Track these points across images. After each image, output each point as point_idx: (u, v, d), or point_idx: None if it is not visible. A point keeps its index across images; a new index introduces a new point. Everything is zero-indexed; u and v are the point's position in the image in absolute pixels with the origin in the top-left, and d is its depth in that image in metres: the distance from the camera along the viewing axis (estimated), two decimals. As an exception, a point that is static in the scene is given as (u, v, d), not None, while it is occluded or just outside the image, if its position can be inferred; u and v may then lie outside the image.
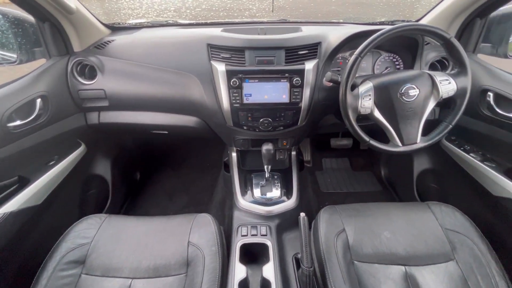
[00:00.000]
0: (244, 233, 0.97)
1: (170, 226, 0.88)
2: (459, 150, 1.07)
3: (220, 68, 0.96)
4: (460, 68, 0.85)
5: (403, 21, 1.32)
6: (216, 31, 1.06)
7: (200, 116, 1.14)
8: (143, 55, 1.08)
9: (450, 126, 0.86)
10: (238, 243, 0.93)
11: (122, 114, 1.16)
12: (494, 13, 1.01)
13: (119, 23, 1.34)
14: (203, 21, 1.37)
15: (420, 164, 1.41)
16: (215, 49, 0.99)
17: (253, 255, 0.93)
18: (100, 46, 1.12)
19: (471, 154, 1.03)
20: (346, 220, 0.86)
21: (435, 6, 1.13)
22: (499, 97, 0.92)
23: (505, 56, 1.01)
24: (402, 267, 0.78)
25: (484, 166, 0.96)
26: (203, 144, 2.02)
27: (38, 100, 0.93)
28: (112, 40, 1.14)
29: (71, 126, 1.11)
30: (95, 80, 1.08)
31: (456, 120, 0.86)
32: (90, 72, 1.10)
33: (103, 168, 1.41)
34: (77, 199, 1.23)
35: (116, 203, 1.51)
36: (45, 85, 0.96)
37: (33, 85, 0.93)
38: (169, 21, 1.39)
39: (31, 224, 0.93)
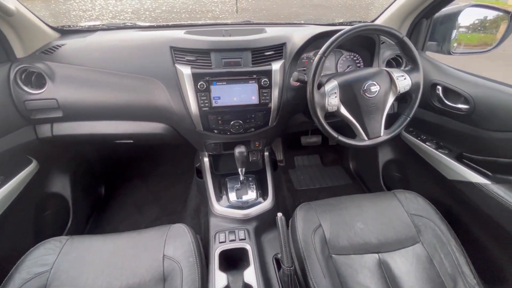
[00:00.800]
0: (222, 239, 0.95)
1: (142, 240, 0.83)
2: (417, 140, 1.17)
3: (185, 71, 0.92)
4: (413, 65, 0.92)
5: (359, 21, 1.40)
6: (179, 33, 1.02)
7: (167, 122, 1.09)
8: (100, 60, 1.00)
9: (409, 118, 0.93)
10: (216, 250, 0.90)
11: (79, 124, 1.06)
12: (437, 14, 1.11)
13: (69, 26, 1.23)
14: (164, 23, 1.31)
15: (384, 156, 1.50)
16: (179, 52, 0.96)
17: (233, 261, 0.92)
18: (48, 51, 1.01)
19: (427, 143, 1.12)
20: (322, 216, 0.89)
21: (387, 8, 1.21)
22: (446, 90, 1.01)
23: (449, 52, 1.11)
24: (376, 255, 0.82)
25: (438, 153, 1.05)
26: (172, 150, 1.94)
27: None
28: (62, 45, 1.04)
29: (18, 141, 0.98)
30: (44, 89, 0.97)
31: (413, 112, 0.93)
32: (37, 80, 0.99)
33: (61, 185, 1.28)
34: (31, 222, 1.10)
35: (79, 222, 1.38)
36: None
37: None
38: (127, 24, 1.30)
39: None
